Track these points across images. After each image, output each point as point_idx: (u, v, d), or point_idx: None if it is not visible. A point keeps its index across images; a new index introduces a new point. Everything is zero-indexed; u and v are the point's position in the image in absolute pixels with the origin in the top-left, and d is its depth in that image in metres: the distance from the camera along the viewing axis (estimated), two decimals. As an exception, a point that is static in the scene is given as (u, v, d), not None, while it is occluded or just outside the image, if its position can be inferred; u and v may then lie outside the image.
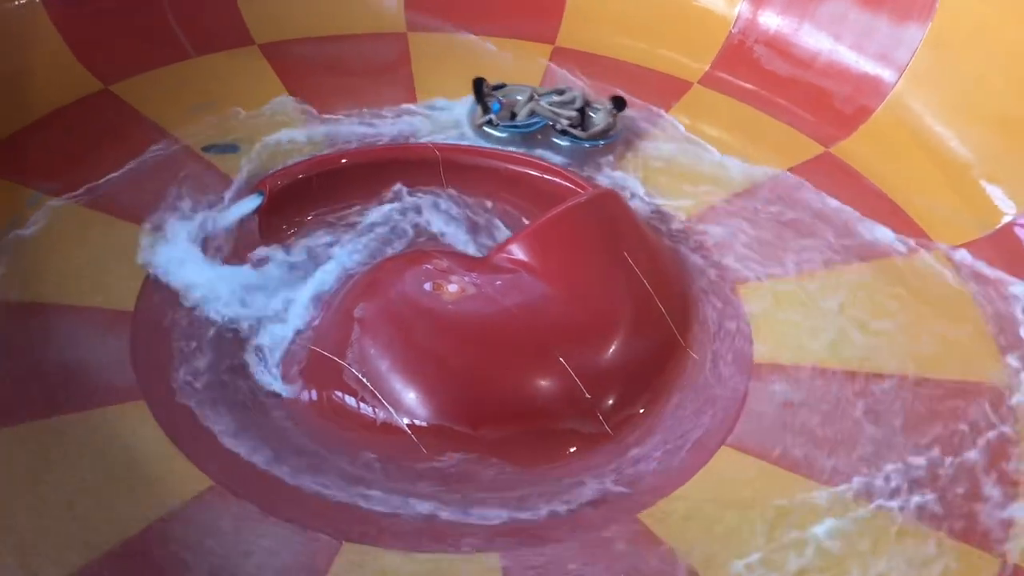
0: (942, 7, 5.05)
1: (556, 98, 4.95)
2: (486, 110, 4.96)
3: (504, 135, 4.99)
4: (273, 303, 4.13)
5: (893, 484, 3.53)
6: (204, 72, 5.30)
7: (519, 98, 5.03)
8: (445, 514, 3.45)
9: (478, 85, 5.01)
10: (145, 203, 4.41)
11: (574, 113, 4.89)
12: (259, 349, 3.98)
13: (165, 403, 3.68)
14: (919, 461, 3.60)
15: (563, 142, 4.90)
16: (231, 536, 3.28)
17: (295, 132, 4.95)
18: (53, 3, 5.03)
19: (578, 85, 5.10)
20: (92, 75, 5.04)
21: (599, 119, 4.89)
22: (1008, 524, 3.42)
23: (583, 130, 4.87)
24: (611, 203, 4.47)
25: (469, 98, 5.16)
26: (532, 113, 4.93)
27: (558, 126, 4.87)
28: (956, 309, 4.22)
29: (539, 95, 4.98)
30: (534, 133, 4.92)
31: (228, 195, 4.53)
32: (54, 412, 3.55)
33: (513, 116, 4.95)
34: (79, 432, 3.51)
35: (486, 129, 4.95)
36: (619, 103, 4.94)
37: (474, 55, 5.66)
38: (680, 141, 5.14)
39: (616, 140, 4.96)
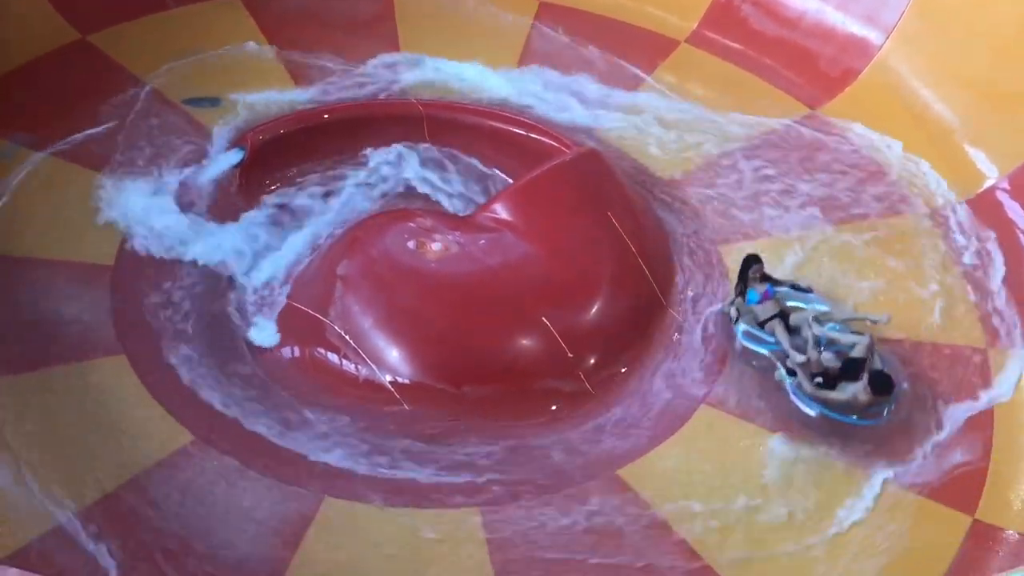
0: (930, -32, 5.02)
1: (834, 334, 3.75)
2: (740, 295, 3.98)
3: (738, 335, 3.91)
4: (254, 258, 4.12)
5: (864, 442, 3.63)
6: (184, 23, 5.20)
7: (800, 305, 3.92)
8: (426, 471, 3.48)
9: (746, 263, 4.00)
10: (124, 156, 4.36)
11: (817, 357, 3.70)
12: (240, 304, 3.98)
13: (145, 358, 3.68)
14: (888, 420, 3.68)
15: (791, 389, 3.74)
16: (213, 489, 3.31)
17: (277, 86, 4.87)
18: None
19: (881, 320, 3.85)
20: (70, 24, 4.93)
21: (850, 389, 3.63)
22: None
23: (822, 386, 3.68)
24: (595, 163, 4.45)
25: (453, 60, 5.16)
26: (773, 330, 3.84)
27: (788, 362, 3.76)
28: (938, 270, 4.26)
29: (825, 319, 3.83)
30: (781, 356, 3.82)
31: (209, 149, 4.47)
32: (35, 366, 3.55)
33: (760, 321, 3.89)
34: (60, 386, 3.52)
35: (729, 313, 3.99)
36: (880, 383, 3.61)
37: (458, 12, 5.57)
38: (669, 98, 5.11)
39: (857, 424, 3.68)
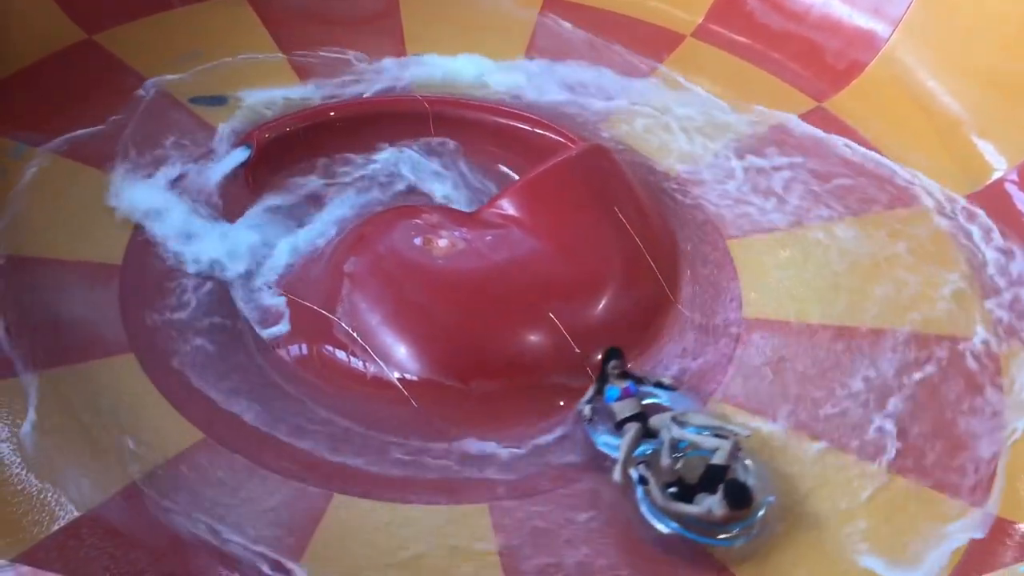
0: (937, -41, 5.00)
1: (695, 436, 3.33)
2: (597, 392, 3.60)
3: (597, 443, 3.52)
4: (261, 255, 4.13)
5: (876, 437, 3.59)
6: (189, 21, 5.22)
7: (663, 404, 3.53)
8: (435, 467, 3.49)
9: (606, 358, 3.67)
10: (131, 155, 4.37)
11: (671, 463, 3.31)
12: (248, 300, 3.99)
13: (154, 356, 3.69)
14: (899, 414, 3.66)
15: (640, 501, 3.28)
16: (224, 487, 3.31)
17: (282, 83, 4.88)
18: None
19: (741, 434, 3.39)
20: (76, 24, 4.94)
21: (706, 502, 3.19)
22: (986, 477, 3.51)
23: (677, 496, 3.22)
24: (601, 158, 4.45)
25: (459, 55, 5.16)
26: (634, 432, 3.41)
27: (639, 468, 3.31)
28: (944, 263, 4.24)
29: (685, 421, 3.42)
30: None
31: (216, 148, 4.48)
32: (47, 366, 3.55)
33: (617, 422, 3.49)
34: (72, 385, 3.52)
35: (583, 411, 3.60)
36: (736, 495, 3.15)
37: (463, 6, 5.57)
38: (675, 92, 5.09)
39: (716, 544, 3.24)
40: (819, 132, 4.87)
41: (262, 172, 4.45)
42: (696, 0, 5.57)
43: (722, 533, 3.18)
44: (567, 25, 5.47)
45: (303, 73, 4.97)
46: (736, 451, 3.28)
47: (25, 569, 2.87)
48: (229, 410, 3.59)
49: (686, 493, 3.20)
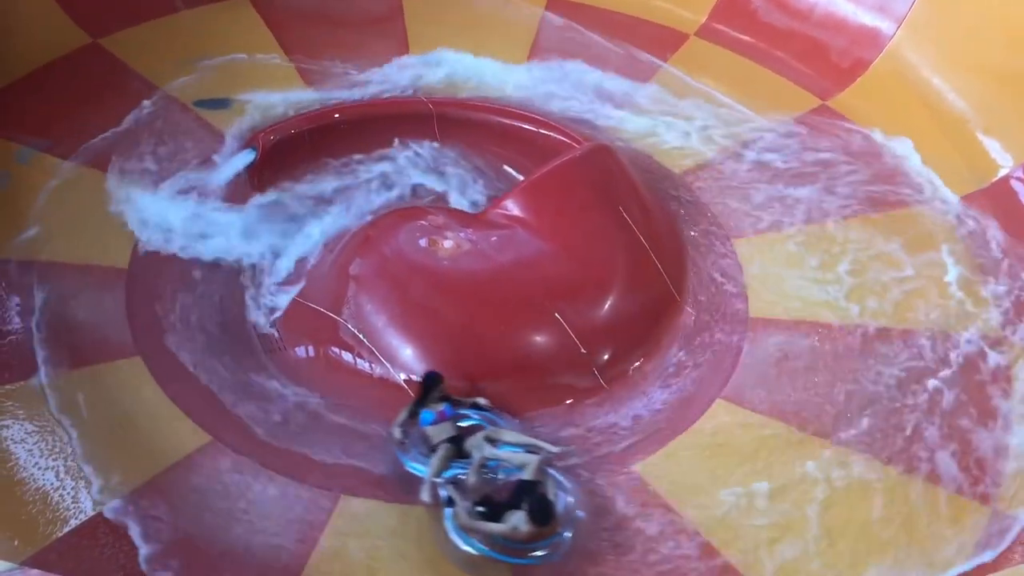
0: (941, -44, 4.99)
1: (505, 453, 3.30)
2: (411, 416, 3.45)
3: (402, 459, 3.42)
4: (266, 257, 4.13)
5: (887, 440, 3.57)
6: (194, 25, 5.22)
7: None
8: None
9: (427, 382, 3.54)
10: (136, 159, 4.37)
11: (477, 481, 3.23)
12: (254, 303, 3.99)
13: (162, 359, 3.69)
14: (911, 416, 3.64)
15: (448, 523, 3.16)
16: (231, 490, 3.31)
17: (287, 86, 4.88)
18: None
19: (551, 451, 3.34)
20: (80, 28, 4.95)
21: (512, 519, 3.07)
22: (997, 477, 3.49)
23: (485, 516, 3.12)
24: (606, 157, 4.44)
25: (463, 56, 5.18)
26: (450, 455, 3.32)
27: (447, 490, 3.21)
28: (954, 262, 4.23)
29: (497, 439, 3.37)
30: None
31: (220, 151, 4.48)
32: (54, 369, 3.55)
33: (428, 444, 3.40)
34: (79, 388, 3.52)
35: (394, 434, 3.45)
36: (538, 511, 3.07)
37: (468, 7, 5.57)
38: (680, 92, 5.08)
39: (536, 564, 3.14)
40: (824, 130, 4.87)
41: (267, 174, 4.44)
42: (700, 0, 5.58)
43: (531, 551, 3.06)
44: (571, 25, 5.47)
45: (307, 75, 4.97)
46: (545, 466, 3.19)
47: (35, 572, 2.87)
48: (236, 412, 3.59)
49: (496, 512, 3.09)
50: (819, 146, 4.79)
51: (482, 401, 3.56)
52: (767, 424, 3.64)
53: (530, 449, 3.29)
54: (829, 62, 5.24)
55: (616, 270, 4.08)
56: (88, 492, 3.20)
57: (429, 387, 3.49)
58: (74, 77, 4.77)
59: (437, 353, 3.74)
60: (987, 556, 3.24)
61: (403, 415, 3.44)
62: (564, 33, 5.43)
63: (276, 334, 3.90)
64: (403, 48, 5.22)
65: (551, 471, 3.26)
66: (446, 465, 3.26)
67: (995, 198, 4.45)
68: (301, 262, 4.14)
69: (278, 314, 3.96)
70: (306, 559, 3.14)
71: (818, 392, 3.74)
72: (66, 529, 3.09)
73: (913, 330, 3.94)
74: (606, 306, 3.97)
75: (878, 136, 4.84)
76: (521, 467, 3.20)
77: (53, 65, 4.79)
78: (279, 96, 4.79)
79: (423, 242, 4.00)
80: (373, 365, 3.72)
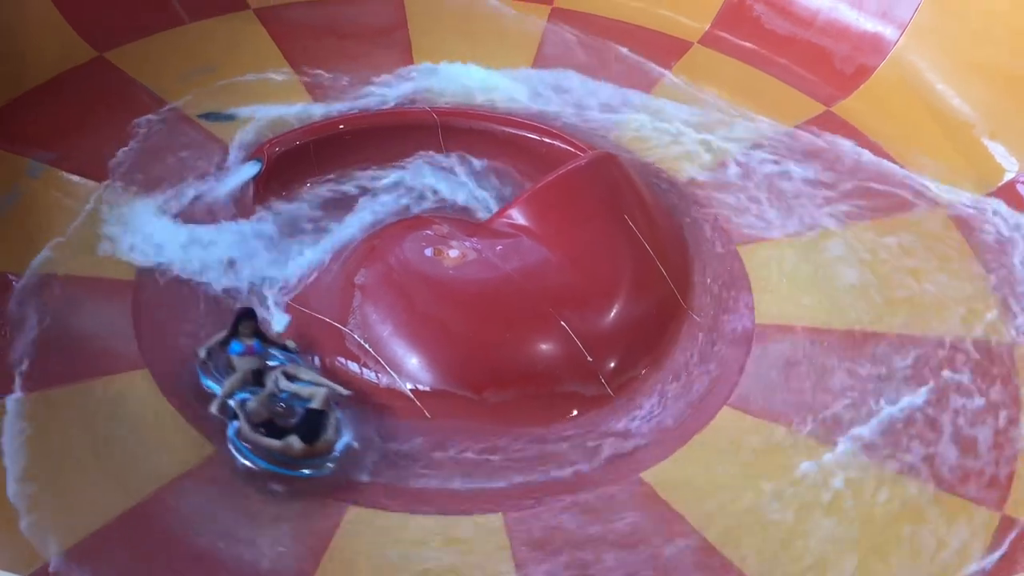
0: (944, -39, 5.00)
1: (296, 387, 3.55)
2: (222, 344, 3.69)
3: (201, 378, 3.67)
4: (273, 270, 4.13)
5: (888, 442, 3.57)
6: (199, 38, 5.25)
7: (274, 362, 3.71)
8: (449, 478, 3.49)
9: (240, 317, 3.71)
10: (141, 172, 4.39)
11: (259, 406, 3.49)
12: (259, 313, 3.98)
13: (168, 370, 3.70)
14: (916, 420, 3.63)
15: (231, 436, 3.48)
16: (237, 500, 3.32)
17: (292, 98, 4.90)
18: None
19: (342, 391, 3.58)
20: (86, 42, 4.98)
21: (288, 438, 3.42)
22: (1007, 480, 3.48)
23: (265, 434, 3.44)
24: (610, 166, 4.45)
25: (467, 66, 5.20)
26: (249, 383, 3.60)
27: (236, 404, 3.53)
28: (959, 265, 4.23)
29: (293, 375, 3.60)
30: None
31: (225, 163, 4.50)
32: (62, 381, 3.57)
33: (231, 370, 3.65)
34: (86, 400, 3.53)
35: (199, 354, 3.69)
36: (308, 430, 3.44)
37: (471, 18, 5.59)
38: (683, 99, 5.09)
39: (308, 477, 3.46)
40: (828, 137, 4.87)
41: (272, 186, 4.45)
42: (703, 7, 5.58)
43: (300, 467, 3.41)
44: (574, 34, 5.48)
45: (312, 87, 4.99)
46: (331, 399, 3.52)
47: None
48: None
49: (276, 434, 3.43)
50: (823, 152, 4.78)
51: (291, 344, 3.80)
52: (773, 429, 3.63)
53: (319, 385, 3.58)
54: (833, 68, 5.24)
55: (622, 278, 4.08)
56: (91, 505, 3.20)
57: (241, 319, 3.70)
58: (81, 90, 4.80)
59: (443, 362, 3.75)
60: (994, 558, 3.23)
61: (214, 340, 3.71)
62: (567, 42, 5.45)
63: (282, 344, 3.89)
64: (407, 58, 5.24)
65: (337, 409, 3.57)
66: (238, 386, 3.57)
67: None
68: (307, 273, 4.14)
69: (285, 325, 3.95)
70: (313, 570, 3.14)
71: (824, 397, 3.73)
72: (72, 543, 3.09)
73: (920, 335, 3.93)
74: (612, 314, 3.97)
75: (883, 142, 4.83)
76: (310, 399, 3.49)
77: (60, 79, 4.83)
78: (284, 108, 4.82)
79: (428, 251, 4.01)
80: (379, 375, 3.72)
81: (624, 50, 5.34)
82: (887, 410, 3.66)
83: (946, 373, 3.79)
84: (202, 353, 3.67)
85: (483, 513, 3.36)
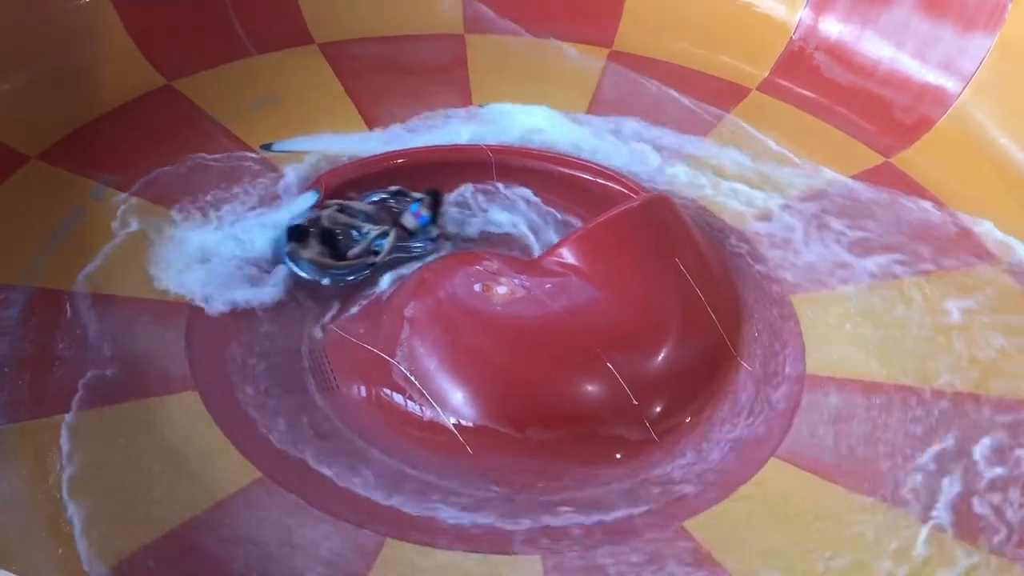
0: (1011, 17, 4.92)
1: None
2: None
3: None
4: (326, 298, 4.19)
5: (939, 503, 3.46)
6: (264, 70, 5.39)
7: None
8: (488, 516, 3.46)
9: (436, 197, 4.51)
10: (200, 199, 4.49)
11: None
12: (311, 342, 4.05)
13: (217, 394, 3.75)
14: (978, 482, 3.52)
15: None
16: (278, 527, 3.33)
17: (351, 131, 4.99)
18: (121, 1, 5.14)
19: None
20: (156, 71, 5.15)
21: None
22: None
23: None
24: (663, 208, 4.43)
25: (524, 106, 5.20)
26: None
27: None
28: (1020, 324, 4.12)
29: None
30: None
31: (282, 193, 4.58)
32: (113, 400, 3.64)
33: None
34: (135, 420, 3.60)
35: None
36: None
37: (529, 59, 5.66)
38: (739, 146, 5.07)
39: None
40: (887, 188, 4.80)
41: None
42: (763, 54, 5.57)
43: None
44: (632, 77, 5.51)
45: (371, 121, 5.08)
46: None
47: None
48: (287, 449, 3.61)
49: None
50: (881, 203, 4.72)
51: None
52: (821, 485, 3.55)
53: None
54: (893, 119, 5.18)
55: (671, 321, 4.04)
56: (133, 526, 3.24)
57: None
58: (148, 117, 4.95)
59: (487, 397, 3.74)
60: None
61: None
62: (625, 85, 5.48)
63: (330, 373, 3.93)
64: (465, 97, 5.31)
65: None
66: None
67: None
68: (358, 304, 4.19)
69: (330, 352, 3.99)
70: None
71: (875, 455, 3.63)
72: (112, 563, 3.13)
73: (979, 394, 3.82)
74: (659, 358, 3.93)
75: (943, 194, 4.76)
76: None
77: (129, 106, 4.98)
78: (342, 141, 4.90)
79: (477, 287, 4.02)
80: (424, 408, 3.73)
81: (682, 94, 5.34)
82: (951, 473, 3.55)
83: (1007, 439, 3.66)
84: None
85: (521, 554, 3.33)
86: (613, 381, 3.77)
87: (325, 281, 4.18)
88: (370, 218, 4.39)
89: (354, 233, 4.34)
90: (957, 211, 4.68)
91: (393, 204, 4.52)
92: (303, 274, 4.16)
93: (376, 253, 4.29)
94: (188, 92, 5.13)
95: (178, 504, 3.33)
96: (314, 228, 4.26)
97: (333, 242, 4.28)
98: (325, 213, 4.34)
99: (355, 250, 4.25)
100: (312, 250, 4.19)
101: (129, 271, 4.13)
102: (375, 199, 4.53)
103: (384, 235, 4.31)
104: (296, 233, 4.21)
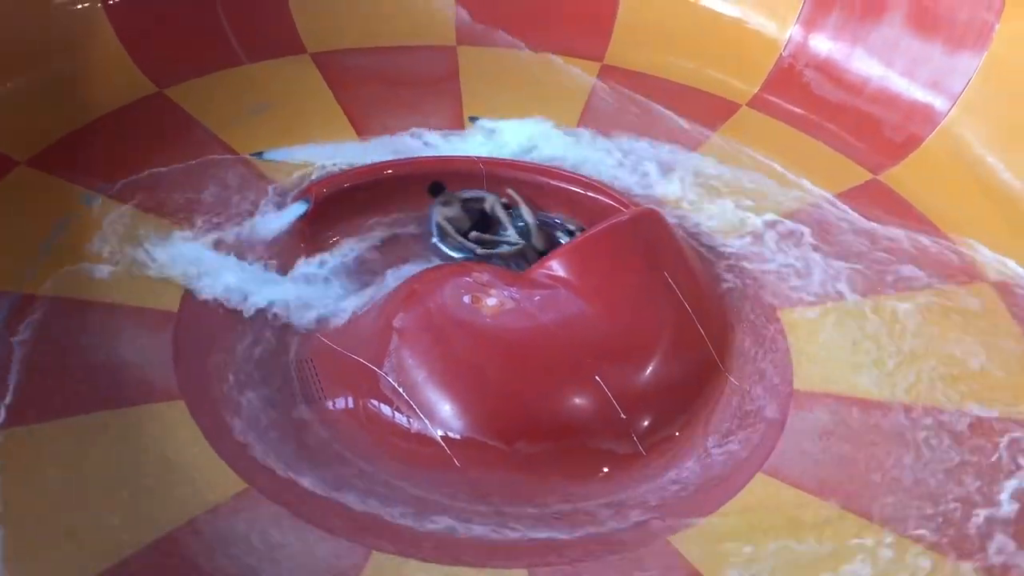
0: (999, 36, 4.97)
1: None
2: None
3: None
4: (314, 309, 4.17)
5: (925, 525, 3.44)
6: (256, 79, 5.38)
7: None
8: (475, 529, 3.45)
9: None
10: (189, 206, 4.48)
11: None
12: (299, 352, 4.03)
13: (204, 404, 3.72)
14: (953, 504, 3.51)
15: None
16: (263, 539, 3.30)
17: (342, 141, 4.99)
18: (113, 8, 5.14)
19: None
20: (147, 78, 5.14)
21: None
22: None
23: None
24: (653, 223, 4.45)
25: (515, 119, 5.21)
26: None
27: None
28: (1006, 344, 4.14)
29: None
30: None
31: (275, 201, 4.58)
32: (97, 407, 3.60)
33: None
34: (120, 429, 3.56)
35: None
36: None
37: (521, 71, 5.68)
38: (728, 161, 5.09)
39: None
40: (874, 205, 4.83)
41: (319, 227, 4.52)
42: (753, 70, 5.60)
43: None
44: (622, 92, 5.53)
45: (362, 131, 5.08)
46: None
47: None
48: (272, 461, 3.59)
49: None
50: (869, 219, 4.74)
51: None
52: (808, 501, 3.55)
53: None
54: (882, 137, 5.22)
55: (660, 336, 4.05)
56: (113, 536, 3.20)
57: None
58: (139, 125, 4.93)
59: (475, 410, 3.73)
60: None
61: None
62: (616, 99, 5.50)
63: (316, 384, 3.91)
64: (457, 108, 5.32)
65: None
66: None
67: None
68: (347, 315, 4.17)
69: (316, 362, 3.98)
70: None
71: (863, 471, 3.63)
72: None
73: (964, 410, 3.83)
74: (648, 371, 3.93)
75: (930, 212, 4.79)
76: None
77: (120, 113, 4.97)
78: (333, 150, 4.89)
79: (467, 299, 4.01)
80: (411, 420, 3.71)
81: (672, 109, 5.37)
82: (930, 489, 3.54)
83: (996, 455, 3.66)
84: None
85: (508, 568, 3.31)
86: (601, 394, 3.77)
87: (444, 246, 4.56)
88: (525, 232, 4.62)
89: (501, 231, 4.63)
90: (944, 229, 4.71)
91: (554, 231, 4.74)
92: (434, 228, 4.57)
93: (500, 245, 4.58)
94: (179, 100, 5.12)
95: (163, 514, 3.29)
96: (475, 204, 4.67)
97: (477, 223, 4.63)
98: (491, 198, 4.69)
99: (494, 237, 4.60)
100: (452, 211, 4.59)
101: (117, 278, 4.11)
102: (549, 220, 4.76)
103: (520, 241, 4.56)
104: (440, 192, 4.67)
